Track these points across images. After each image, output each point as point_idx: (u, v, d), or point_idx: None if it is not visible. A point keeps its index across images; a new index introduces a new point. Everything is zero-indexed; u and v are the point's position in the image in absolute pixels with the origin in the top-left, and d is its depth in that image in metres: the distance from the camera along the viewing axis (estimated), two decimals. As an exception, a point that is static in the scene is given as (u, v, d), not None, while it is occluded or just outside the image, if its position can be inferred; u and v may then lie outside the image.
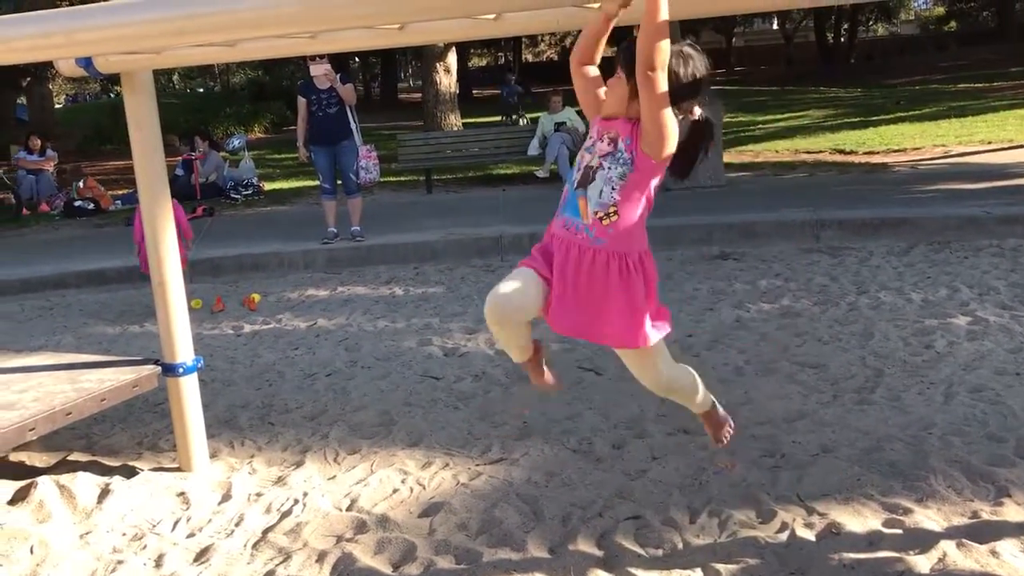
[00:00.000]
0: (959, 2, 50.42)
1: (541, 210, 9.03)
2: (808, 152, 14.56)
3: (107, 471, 3.78)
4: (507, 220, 8.51)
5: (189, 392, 3.67)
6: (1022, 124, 15.09)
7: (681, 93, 2.44)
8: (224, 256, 7.80)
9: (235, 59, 3.12)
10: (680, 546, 2.98)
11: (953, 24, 53.77)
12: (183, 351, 3.62)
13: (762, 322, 5.38)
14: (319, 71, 7.52)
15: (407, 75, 55.65)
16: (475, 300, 6.42)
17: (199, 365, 3.70)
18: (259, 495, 3.55)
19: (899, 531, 2.94)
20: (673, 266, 7.05)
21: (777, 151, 15.04)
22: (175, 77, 44.30)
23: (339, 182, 8.05)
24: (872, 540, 2.91)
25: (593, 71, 2.61)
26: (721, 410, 3.03)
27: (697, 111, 2.54)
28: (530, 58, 57.58)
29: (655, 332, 2.58)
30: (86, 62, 3.18)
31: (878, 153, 13.44)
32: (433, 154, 11.48)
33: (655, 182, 2.51)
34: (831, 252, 7.08)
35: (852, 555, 2.84)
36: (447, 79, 18.36)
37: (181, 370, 3.61)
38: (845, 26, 45.66)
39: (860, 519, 3.03)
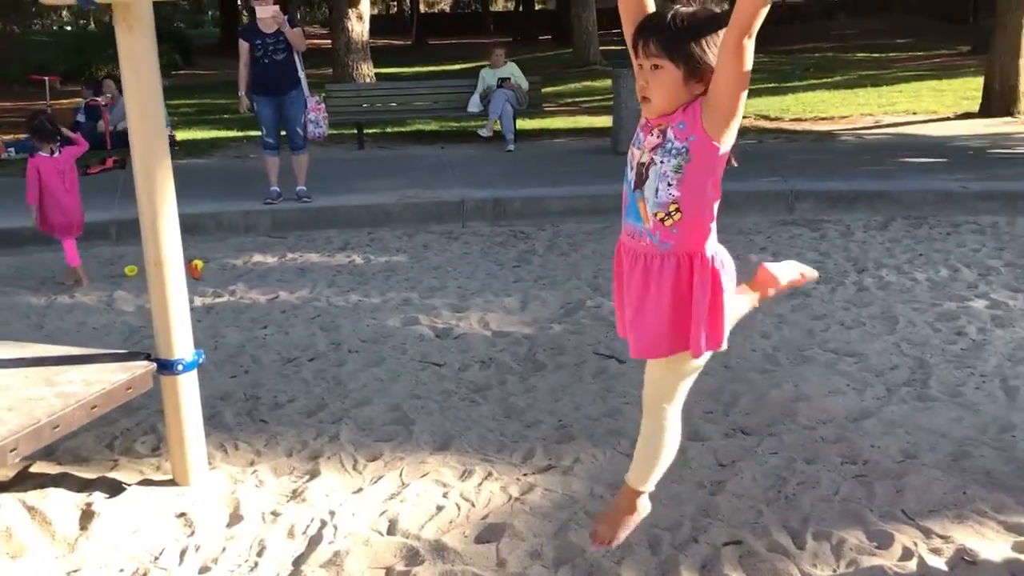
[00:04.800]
0: (846, -28, 51.71)
1: (491, 172, 8.56)
2: (732, 117, 14.41)
3: (84, 486, 3.14)
4: (460, 183, 7.96)
5: (188, 392, 3.07)
6: (937, 95, 15.35)
7: None
8: (155, 216, 6.99)
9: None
10: (799, 578, 2.61)
11: (841, -7, 55.12)
12: (182, 344, 3.01)
13: (772, 302, 5.05)
14: (267, 13, 6.73)
15: (304, 19, 53.46)
16: (449, 272, 5.90)
17: (200, 360, 3.09)
18: (276, 514, 3.00)
19: (1037, 558, 2.65)
20: (648, 237, 6.68)
21: (700, 115, 14.86)
22: (64, 13, 41.36)
23: (283, 134, 7.31)
24: (1015, 571, 2.60)
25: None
26: (646, 503, 2.45)
27: None
28: (423, 8, 56.20)
29: (707, 345, 2.18)
30: (79, -13, 2.52)
31: (805, 120, 13.38)
32: (365, 107, 10.74)
33: (719, 168, 2.11)
34: (809, 225, 6.85)
35: (998, 589, 2.53)
36: (359, 26, 17.47)
37: (181, 367, 3.01)
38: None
39: (987, 543, 2.72)
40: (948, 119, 12.28)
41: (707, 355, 2.23)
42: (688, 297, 2.16)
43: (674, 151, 2.10)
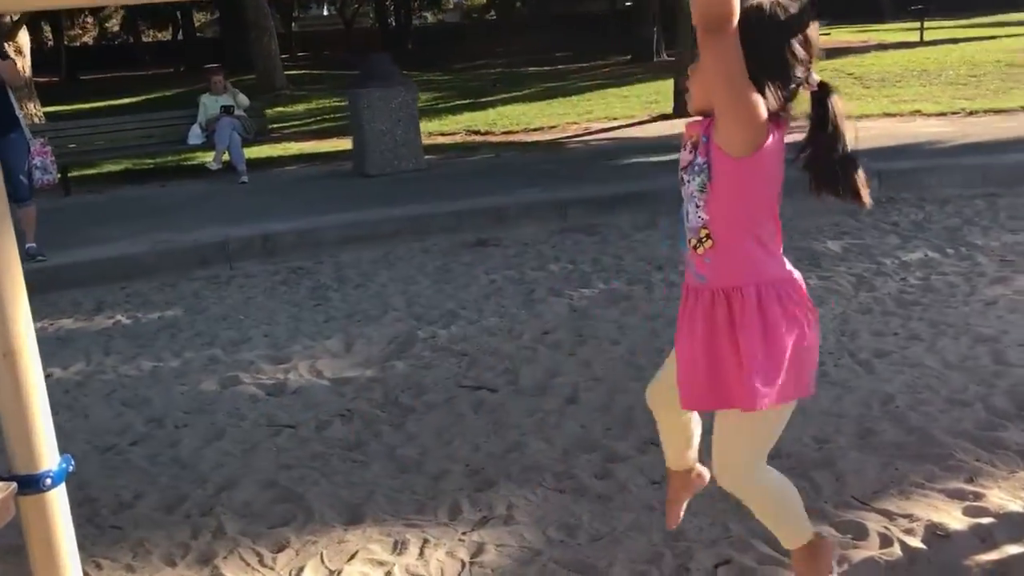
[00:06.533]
0: (498, -8, 54.56)
1: (237, 207, 7.90)
2: (442, 134, 14.52)
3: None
4: (210, 221, 7.24)
5: (60, 511, 2.39)
6: (624, 101, 16.49)
7: (768, 60, 1.81)
8: None
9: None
10: (805, 587, 2.51)
11: (493, 13, 57.93)
12: (47, 452, 2.34)
13: (601, 308, 5.03)
14: (-30, 42, 5.65)
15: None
16: (243, 320, 5.29)
17: (70, 467, 2.43)
18: (195, 642, 2.43)
19: (993, 520, 2.74)
20: (434, 257, 6.44)
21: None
22: None
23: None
24: (982, 536, 2.67)
25: None
26: (824, 540, 2.30)
27: (814, 79, 1.89)
28: (64, 42, 51.69)
29: (767, 394, 1.93)
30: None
31: (517, 132, 13.79)
32: (65, 148, 9.49)
33: (753, 184, 1.89)
34: (586, 230, 6.95)
35: (982, 558, 2.58)
36: (20, 61, 15.52)
37: (49, 481, 2.33)
38: (403, 12, 47.07)
39: (943, 514, 2.79)
40: (647, 121, 13.19)
41: (784, 409, 2.00)
42: (725, 342, 1.94)
43: (698, 168, 1.91)
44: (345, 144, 12.58)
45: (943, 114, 10.85)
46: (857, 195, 1.89)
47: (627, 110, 14.83)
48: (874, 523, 2.77)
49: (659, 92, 16.62)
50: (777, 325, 1.92)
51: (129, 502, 3.21)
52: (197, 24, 50.45)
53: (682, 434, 2.35)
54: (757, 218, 1.94)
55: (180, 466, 3.48)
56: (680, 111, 13.08)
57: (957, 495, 2.90)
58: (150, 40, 56.72)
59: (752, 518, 2.81)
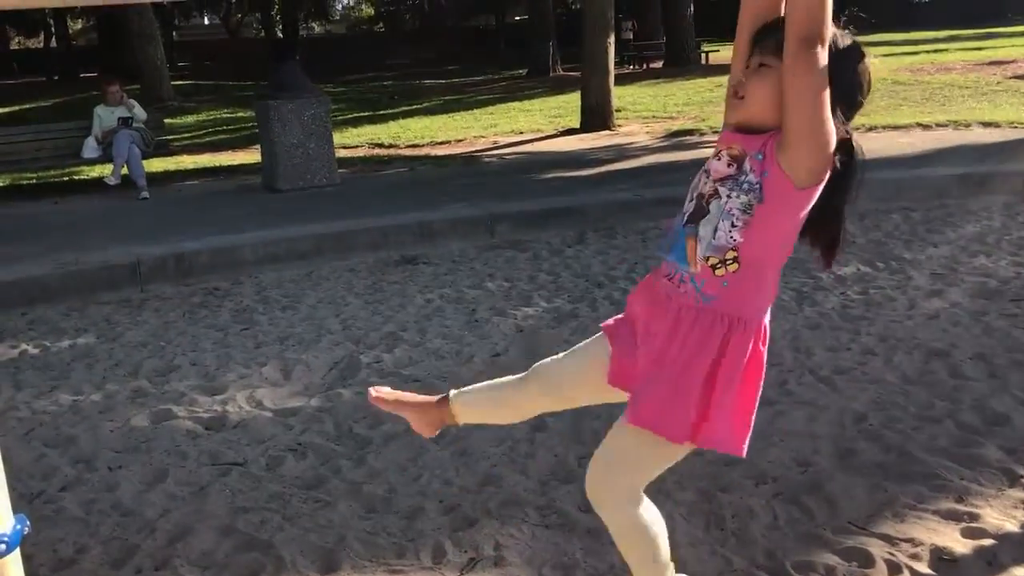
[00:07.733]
0: (386, 4, 54.28)
1: (141, 225, 7.46)
2: (345, 147, 14.17)
3: None
4: (115, 240, 6.78)
5: (14, 581, 2.10)
6: (528, 115, 16.48)
7: (842, 92, 1.77)
8: None
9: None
10: (822, 622, 2.42)
11: (382, 25, 57.40)
12: (1, 514, 2.05)
13: (549, 328, 4.88)
14: None
15: None
16: (165, 347, 4.93)
17: (25, 529, 2.14)
18: None
19: (994, 541, 2.72)
20: (361, 275, 6.18)
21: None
22: None
23: None
24: (988, 559, 2.64)
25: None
26: None
27: (850, 126, 1.85)
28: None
29: (671, 425, 1.87)
30: None
31: (423, 146, 13.57)
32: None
33: (798, 217, 1.80)
34: (515, 246, 6.80)
35: (993, 581, 2.55)
36: None
37: (3, 547, 2.05)
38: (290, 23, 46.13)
39: (945, 537, 2.75)
40: (556, 136, 13.18)
41: (667, 432, 1.91)
42: (712, 371, 1.84)
43: (746, 186, 1.77)
44: (247, 157, 12.16)
45: (843, 130, 11.16)
46: (834, 252, 1.92)
47: (533, 124, 14.81)
48: (877, 549, 2.70)
49: (562, 106, 16.73)
50: (759, 372, 1.88)
51: (70, 557, 2.88)
52: (72, 32, 48.32)
53: (517, 410, 2.32)
54: (784, 253, 1.87)
55: (122, 513, 3.16)
56: (588, 125, 13.14)
57: (952, 516, 2.86)
58: (18, 48, 54.01)
59: (751, 546, 2.75)
